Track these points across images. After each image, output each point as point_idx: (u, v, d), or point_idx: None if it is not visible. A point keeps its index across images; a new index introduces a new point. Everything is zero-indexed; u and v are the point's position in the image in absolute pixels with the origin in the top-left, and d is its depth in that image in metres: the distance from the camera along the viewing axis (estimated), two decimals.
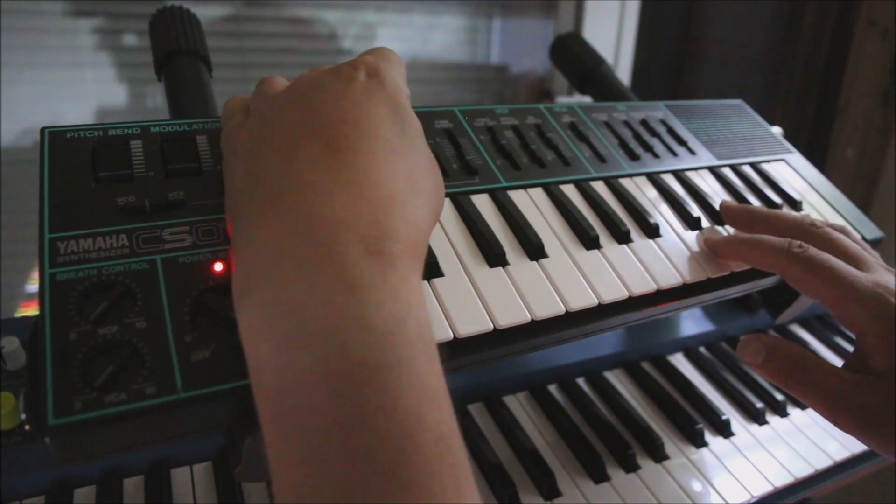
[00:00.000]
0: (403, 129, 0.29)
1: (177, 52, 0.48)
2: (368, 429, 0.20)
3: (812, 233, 0.40)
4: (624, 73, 1.08)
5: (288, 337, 0.22)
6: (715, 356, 0.63)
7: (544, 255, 0.37)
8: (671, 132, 0.52)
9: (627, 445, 0.49)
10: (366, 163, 0.26)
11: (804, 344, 0.67)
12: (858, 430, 0.34)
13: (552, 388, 0.55)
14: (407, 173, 0.28)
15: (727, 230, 0.45)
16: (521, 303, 0.34)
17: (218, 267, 0.30)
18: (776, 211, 0.43)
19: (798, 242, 0.38)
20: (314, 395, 0.21)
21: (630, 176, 0.46)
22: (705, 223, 0.44)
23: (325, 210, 0.24)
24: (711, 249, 0.42)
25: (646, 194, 0.45)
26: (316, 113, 0.28)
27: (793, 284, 0.39)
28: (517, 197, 0.41)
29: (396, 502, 0.19)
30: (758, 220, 0.43)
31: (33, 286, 0.91)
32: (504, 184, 0.41)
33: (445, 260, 0.35)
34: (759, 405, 0.55)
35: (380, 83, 0.30)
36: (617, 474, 0.48)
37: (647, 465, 0.49)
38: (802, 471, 0.50)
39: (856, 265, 0.38)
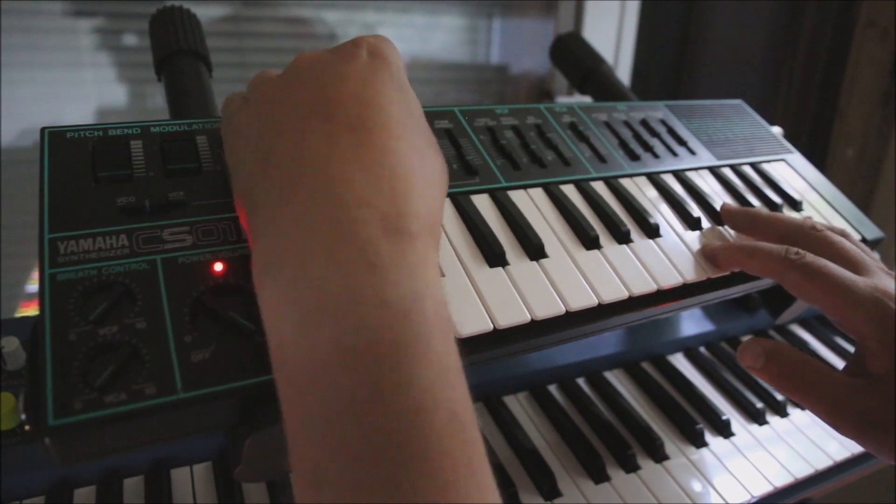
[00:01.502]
0: (410, 109, 0.29)
1: (177, 52, 0.48)
2: (384, 405, 0.20)
3: (811, 236, 0.40)
4: (624, 73, 1.08)
5: (308, 313, 0.22)
6: (715, 356, 0.63)
7: (544, 255, 0.37)
8: (671, 132, 0.52)
9: (627, 445, 0.49)
10: (381, 142, 0.26)
11: (804, 344, 0.67)
12: (858, 435, 0.34)
13: (552, 388, 0.55)
14: (420, 152, 0.28)
15: (727, 231, 0.45)
16: (521, 303, 0.34)
17: (218, 267, 0.30)
18: (777, 214, 0.43)
19: (795, 250, 0.38)
20: (331, 371, 0.21)
21: (630, 176, 0.46)
22: (705, 223, 0.44)
23: (345, 190, 0.24)
24: (709, 258, 0.42)
25: (646, 194, 0.45)
26: (323, 92, 0.28)
27: (792, 292, 0.38)
28: (517, 197, 0.41)
29: (409, 478, 0.20)
30: (758, 223, 0.43)
31: (33, 286, 0.91)
32: (504, 184, 0.41)
33: (445, 260, 0.35)
34: (759, 405, 0.55)
35: (383, 62, 0.30)
36: (617, 474, 0.48)
37: (647, 466, 0.49)
38: (802, 471, 0.50)
39: (855, 269, 0.38)
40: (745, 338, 0.67)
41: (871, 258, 0.40)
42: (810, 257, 0.37)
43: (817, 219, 0.50)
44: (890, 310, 0.34)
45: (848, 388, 0.34)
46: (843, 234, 0.42)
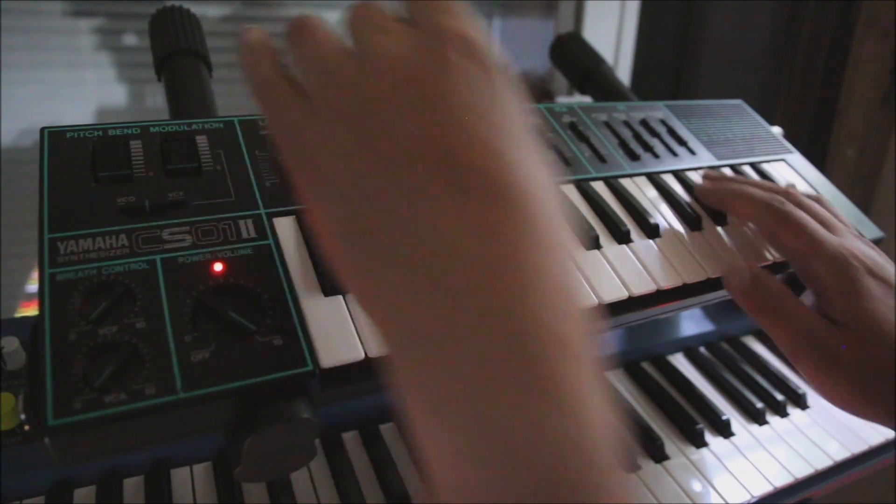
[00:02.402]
0: (529, 128, 0.24)
1: (177, 52, 0.48)
2: None
3: (790, 196, 0.43)
4: (624, 73, 1.08)
5: (490, 460, 0.19)
6: (715, 356, 0.63)
7: None
8: (671, 132, 0.52)
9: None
10: (534, 226, 0.21)
11: None
12: (814, 370, 0.37)
13: None
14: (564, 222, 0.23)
15: (727, 233, 0.45)
16: None
17: (218, 267, 0.30)
18: (755, 180, 0.46)
19: (780, 199, 0.41)
20: None
21: (630, 176, 0.46)
22: (705, 223, 0.44)
23: (518, 306, 0.20)
24: (700, 195, 0.45)
25: (646, 194, 0.45)
26: (438, 135, 0.22)
27: (764, 235, 0.42)
28: None
29: None
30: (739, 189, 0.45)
31: (33, 286, 0.91)
32: None
33: None
34: (759, 405, 0.55)
35: (486, 67, 0.24)
36: None
37: (647, 466, 0.49)
38: (802, 471, 0.50)
39: (827, 229, 0.40)
40: (746, 338, 0.67)
41: (845, 224, 0.43)
42: (790, 207, 0.40)
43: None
44: (851, 263, 0.37)
45: (818, 321, 0.37)
46: (818, 199, 0.44)
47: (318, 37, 0.27)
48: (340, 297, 0.31)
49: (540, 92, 1.10)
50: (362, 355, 0.29)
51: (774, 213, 0.40)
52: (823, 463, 0.51)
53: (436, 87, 0.23)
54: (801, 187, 0.54)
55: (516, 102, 0.25)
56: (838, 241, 0.39)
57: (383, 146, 0.22)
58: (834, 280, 0.37)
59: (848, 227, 0.42)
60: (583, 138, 0.47)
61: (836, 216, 0.43)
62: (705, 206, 0.46)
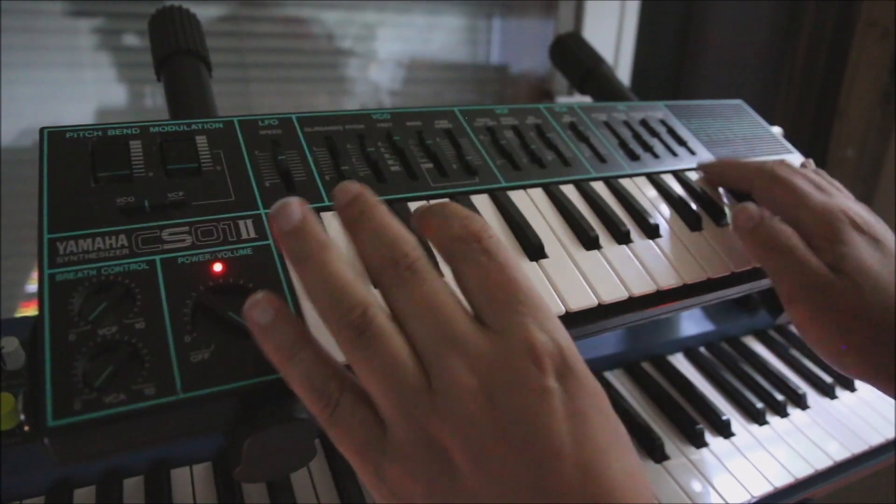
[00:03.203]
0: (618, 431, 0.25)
1: (176, 53, 0.48)
2: None
3: (783, 163, 0.44)
4: (624, 73, 1.08)
5: None
6: (715, 356, 0.63)
7: (544, 256, 0.37)
8: (671, 132, 0.52)
9: None
10: None
11: (804, 344, 0.67)
12: (809, 317, 0.37)
13: None
14: None
15: (727, 231, 0.45)
16: None
17: (217, 267, 0.30)
18: (749, 159, 0.48)
19: (773, 164, 0.43)
20: None
21: (630, 176, 0.46)
22: (705, 223, 0.44)
23: None
24: (702, 169, 0.48)
25: (646, 194, 0.45)
26: (546, 486, 0.22)
27: (756, 197, 0.43)
28: (517, 197, 0.41)
29: None
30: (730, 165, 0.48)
31: (33, 286, 0.91)
32: (504, 184, 0.41)
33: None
34: (759, 405, 0.55)
35: (581, 382, 0.24)
36: None
37: (647, 465, 0.49)
38: (802, 471, 0.50)
39: (820, 192, 0.41)
40: (746, 338, 0.67)
41: (836, 188, 0.44)
42: (785, 170, 0.42)
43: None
44: (837, 216, 0.39)
45: (819, 266, 0.37)
46: (813, 169, 0.46)
47: (388, 348, 0.24)
48: None
49: (540, 92, 1.10)
50: None
51: (766, 175, 0.42)
52: (823, 463, 0.51)
53: (534, 429, 0.22)
54: None
55: (604, 408, 0.25)
56: (827, 198, 0.40)
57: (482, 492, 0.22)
58: (820, 228, 0.38)
59: (841, 191, 0.43)
60: (583, 138, 0.47)
61: (829, 181, 0.44)
62: (705, 207, 0.46)
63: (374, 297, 0.25)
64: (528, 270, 0.36)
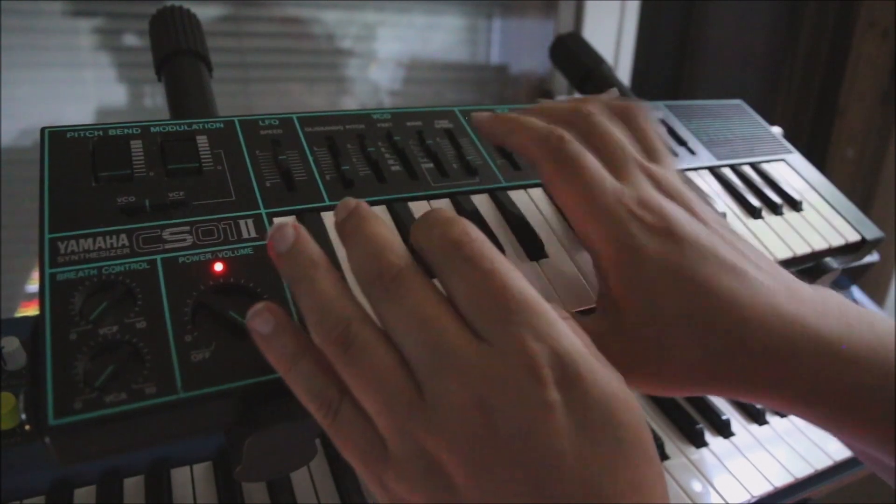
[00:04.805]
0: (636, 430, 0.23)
1: (177, 52, 0.48)
2: None
3: (586, 121, 0.33)
4: (624, 73, 1.08)
5: None
6: None
7: (544, 256, 0.37)
8: (671, 132, 0.52)
9: None
10: None
11: None
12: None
13: None
14: None
15: None
16: None
17: (218, 267, 0.30)
18: (551, 102, 0.37)
19: (560, 133, 0.31)
20: None
21: None
22: None
23: None
24: (477, 125, 0.36)
25: None
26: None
27: (545, 184, 0.33)
28: (517, 197, 0.41)
29: None
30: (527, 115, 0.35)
31: (33, 286, 0.91)
32: (504, 184, 0.41)
33: None
34: (760, 405, 0.55)
35: (587, 392, 0.23)
36: None
37: None
38: (802, 471, 0.50)
39: (615, 168, 0.31)
40: None
41: (644, 153, 0.34)
42: (571, 148, 0.31)
43: (815, 218, 0.50)
44: (626, 229, 0.29)
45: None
46: (625, 111, 0.35)
47: (376, 364, 0.24)
48: None
49: (540, 92, 1.10)
50: None
51: (550, 158, 0.31)
52: (823, 463, 0.51)
53: (532, 445, 0.22)
54: (801, 187, 0.54)
55: (616, 416, 0.23)
56: (617, 195, 0.30)
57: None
58: (604, 246, 0.30)
59: (661, 158, 0.34)
60: None
61: (640, 142, 0.34)
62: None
63: (362, 310, 0.25)
64: (527, 270, 0.36)
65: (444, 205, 0.38)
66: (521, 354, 0.23)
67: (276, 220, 0.28)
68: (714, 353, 0.28)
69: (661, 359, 0.29)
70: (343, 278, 0.26)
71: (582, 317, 0.29)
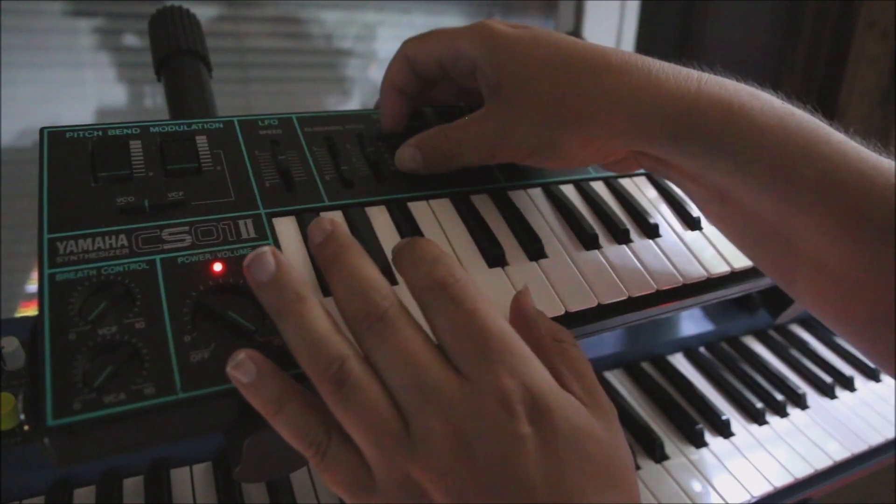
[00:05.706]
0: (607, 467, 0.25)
1: (176, 53, 0.48)
2: None
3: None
4: None
5: None
6: (715, 356, 0.63)
7: (543, 256, 0.37)
8: None
9: None
10: None
11: (804, 344, 0.67)
12: None
13: None
14: None
15: None
16: None
17: (217, 267, 0.30)
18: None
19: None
20: None
21: (630, 176, 0.46)
22: (705, 223, 0.44)
23: None
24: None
25: (645, 194, 0.45)
26: None
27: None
28: (516, 197, 0.41)
29: None
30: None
31: (33, 286, 0.92)
32: (504, 184, 0.41)
33: None
34: (759, 405, 0.55)
35: (558, 429, 0.25)
36: None
37: (647, 465, 0.49)
38: (802, 471, 0.50)
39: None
40: (746, 338, 0.67)
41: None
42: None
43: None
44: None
45: None
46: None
47: (365, 398, 0.25)
48: None
49: None
50: None
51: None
52: (823, 463, 0.51)
53: (507, 474, 0.23)
54: None
55: (586, 447, 0.25)
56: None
57: None
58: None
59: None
60: None
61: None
62: None
63: (351, 347, 0.26)
64: (527, 270, 0.36)
65: (444, 205, 0.38)
66: (497, 390, 0.24)
67: (255, 249, 0.27)
68: None
69: None
70: (328, 312, 0.27)
71: None
